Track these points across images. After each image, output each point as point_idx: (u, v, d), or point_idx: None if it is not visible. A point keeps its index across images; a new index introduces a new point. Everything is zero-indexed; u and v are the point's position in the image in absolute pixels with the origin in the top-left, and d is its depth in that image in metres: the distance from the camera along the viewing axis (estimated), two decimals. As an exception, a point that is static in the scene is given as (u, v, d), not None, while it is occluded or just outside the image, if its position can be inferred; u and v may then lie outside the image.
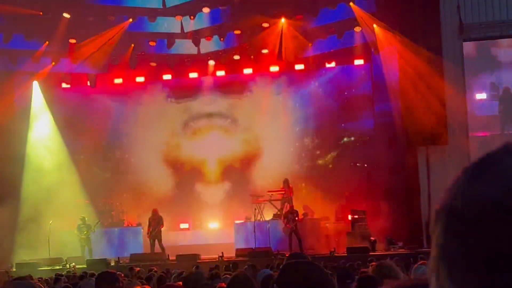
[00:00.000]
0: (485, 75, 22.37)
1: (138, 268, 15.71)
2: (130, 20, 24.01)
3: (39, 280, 12.54)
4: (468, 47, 22.16)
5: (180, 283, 8.73)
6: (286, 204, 23.28)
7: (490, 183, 0.90)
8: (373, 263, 6.34)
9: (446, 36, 21.64)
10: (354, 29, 23.73)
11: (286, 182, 23.35)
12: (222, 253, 20.92)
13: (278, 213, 22.89)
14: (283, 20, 23.81)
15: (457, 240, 0.91)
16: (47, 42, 23.80)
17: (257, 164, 25.10)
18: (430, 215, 16.08)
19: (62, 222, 23.35)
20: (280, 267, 5.46)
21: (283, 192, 23.21)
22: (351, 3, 22.50)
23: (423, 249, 20.20)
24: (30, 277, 13.12)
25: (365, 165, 24.39)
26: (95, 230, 22.71)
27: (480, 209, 0.90)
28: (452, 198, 0.94)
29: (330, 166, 25.22)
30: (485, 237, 0.88)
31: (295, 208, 22.28)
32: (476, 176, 0.93)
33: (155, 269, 15.49)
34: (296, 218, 21.67)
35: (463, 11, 21.64)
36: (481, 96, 22.27)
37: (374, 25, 22.95)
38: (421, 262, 6.58)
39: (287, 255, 7.95)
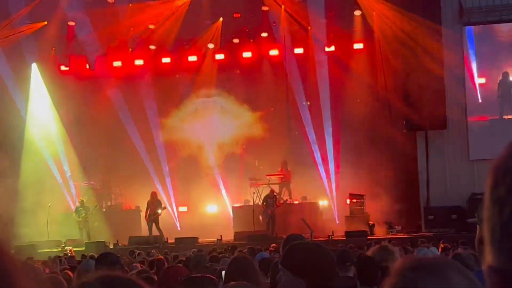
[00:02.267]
0: (485, 60, 22.32)
1: (139, 251, 15.76)
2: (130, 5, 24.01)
3: (40, 262, 12.58)
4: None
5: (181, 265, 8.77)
6: (284, 188, 23.37)
7: None
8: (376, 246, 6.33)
9: (447, 21, 21.61)
10: (354, 12, 23.72)
11: (284, 164, 23.42)
12: (221, 236, 21.00)
13: (277, 196, 22.92)
14: (283, 6, 23.80)
15: (497, 206, 0.90)
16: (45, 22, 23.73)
17: (256, 147, 25.06)
18: (429, 199, 16.00)
19: (61, 205, 23.43)
20: (282, 248, 5.47)
21: (282, 176, 23.27)
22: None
23: (421, 233, 20.29)
24: (31, 258, 13.18)
25: (364, 149, 24.33)
26: (93, 212, 22.75)
27: None
28: (495, 166, 0.92)
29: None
30: None
31: (293, 192, 22.32)
32: None
33: (156, 253, 15.50)
34: (276, 203, 21.89)
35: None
36: (481, 80, 22.23)
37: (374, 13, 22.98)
38: (423, 245, 6.61)
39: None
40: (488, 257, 0.90)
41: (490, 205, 0.90)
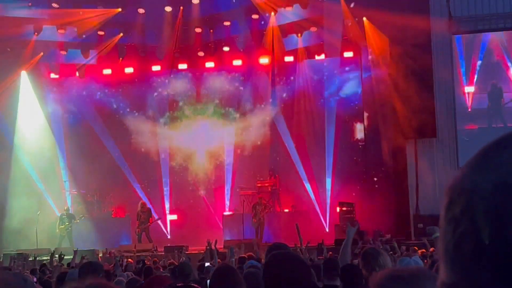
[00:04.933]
0: (474, 69, 22.40)
1: (130, 260, 15.72)
2: (119, 9, 24.00)
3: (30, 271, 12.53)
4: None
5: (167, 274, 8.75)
6: (273, 196, 23.37)
7: (486, 175, 0.90)
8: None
9: (436, 29, 21.68)
10: (344, 21, 23.78)
11: (272, 172, 23.48)
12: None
13: (266, 204, 22.91)
14: (272, 13, 23.86)
15: (451, 224, 0.91)
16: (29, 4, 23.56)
17: (246, 155, 25.08)
18: (418, 207, 16.05)
19: (50, 213, 23.37)
20: (265, 257, 5.47)
21: (271, 184, 23.29)
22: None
23: (411, 241, 20.29)
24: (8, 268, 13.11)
25: (354, 157, 24.37)
26: (78, 221, 22.67)
27: (470, 200, 0.89)
28: (451, 186, 0.93)
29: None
30: (472, 229, 0.88)
31: (283, 200, 22.31)
32: (475, 166, 0.92)
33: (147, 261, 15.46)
34: (266, 210, 21.93)
35: (452, 4, 21.69)
36: (469, 89, 22.33)
37: (364, 18, 23.04)
38: (406, 253, 6.64)
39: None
40: (442, 274, 0.92)
41: (444, 224, 0.92)
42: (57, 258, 14.38)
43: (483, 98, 22.33)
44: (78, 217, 22.73)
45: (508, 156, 0.89)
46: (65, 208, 23.00)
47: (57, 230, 22.48)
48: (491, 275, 0.85)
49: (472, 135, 22.02)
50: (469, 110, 22.29)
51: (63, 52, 24.95)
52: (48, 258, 19.58)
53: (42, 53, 24.68)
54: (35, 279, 10.12)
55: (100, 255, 20.79)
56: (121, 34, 24.78)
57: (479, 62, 22.30)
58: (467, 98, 22.29)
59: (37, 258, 16.65)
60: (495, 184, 0.88)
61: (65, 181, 24.61)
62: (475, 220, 0.88)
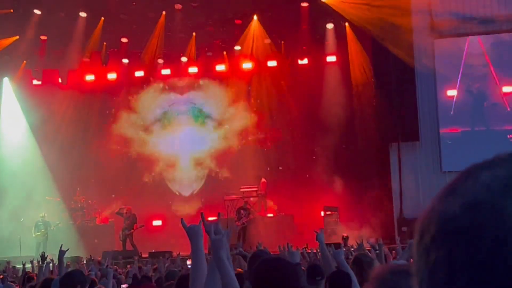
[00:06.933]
0: (456, 72, 22.55)
1: (115, 267, 15.64)
2: (102, 18, 23.99)
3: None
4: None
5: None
6: (259, 200, 23.36)
7: (453, 201, 0.90)
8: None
9: (418, 33, 21.79)
10: (326, 25, 23.90)
11: (259, 177, 23.48)
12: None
13: (251, 209, 22.91)
14: (255, 17, 23.92)
15: (424, 255, 0.92)
16: (17, 37, 23.60)
17: (230, 160, 25.09)
18: (402, 211, 16.11)
19: (33, 220, 23.22)
20: (248, 263, 5.47)
21: (256, 188, 23.28)
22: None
23: (395, 245, 20.33)
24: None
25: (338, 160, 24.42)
26: (54, 228, 22.54)
27: (439, 225, 0.90)
28: (421, 220, 0.94)
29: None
30: (444, 253, 0.89)
31: (268, 204, 22.29)
32: (442, 197, 0.93)
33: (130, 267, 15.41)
34: (250, 215, 21.88)
35: (434, 8, 21.82)
36: (452, 92, 22.47)
37: (346, 24, 23.14)
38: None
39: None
40: None
41: (417, 258, 0.93)
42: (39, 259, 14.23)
43: (466, 101, 22.47)
44: (54, 224, 22.60)
45: (473, 182, 0.90)
46: (41, 215, 22.85)
47: (33, 235, 22.36)
48: None
49: (455, 138, 22.15)
50: (452, 113, 22.41)
51: (46, 58, 24.85)
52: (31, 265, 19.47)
53: (25, 62, 24.62)
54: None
55: (84, 261, 20.67)
56: (105, 43, 24.78)
57: (461, 65, 22.44)
58: (449, 101, 22.42)
59: (18, 266, 16.49)
60: (462, 207, 0.89)
61: (47, 188, 24.46)
62: (446, 244, 0.88)
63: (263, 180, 23.55)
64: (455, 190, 0.92)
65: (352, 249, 13.72)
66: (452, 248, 0.88)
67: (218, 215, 6.98)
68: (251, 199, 23.11)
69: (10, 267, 16.59)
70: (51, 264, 13.89)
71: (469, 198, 0.89)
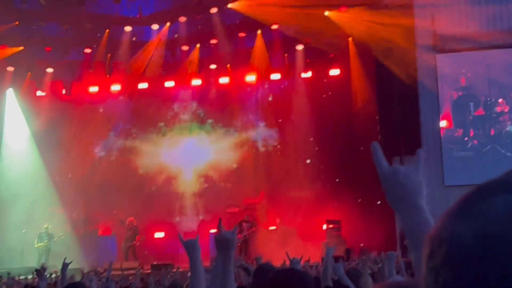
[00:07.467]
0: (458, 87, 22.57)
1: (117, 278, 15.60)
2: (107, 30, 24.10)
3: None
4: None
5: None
6: (261, 213, 23.34)
7: (464, 225, 0.91)
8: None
9: (421, 48, 21.82)
10: (331, 38, 23.91)
11: (260, 190, 23.47)
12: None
13: (253, 222, 22.88)
14: (259, 31, 23.99)
15: (433, 274, 0.93)
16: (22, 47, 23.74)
17: (232, 172, 25.07)
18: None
19: (36, 231, 23.20)
20: (253, 277, 5.46)
21: (258, 201, 23.26)
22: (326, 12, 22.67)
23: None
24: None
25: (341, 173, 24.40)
26: (56, 240, 22.51)
27: (449, 250, 0.91)
28: (432, 235, 0.95)
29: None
30: (453, 278, 0.90)
31: (270, 217, 22.25)
32: (454, 216, 0.94)
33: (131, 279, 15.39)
34: (252, 228, 21.82)
35: (437, 24, 21.85)
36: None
37: (350, 39, 23.19)
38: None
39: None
40: None
41: (426, 273, 0.95)
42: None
43: (468, 116, 22.45)
44: (57, 236, 22.57)
45: (487, 206, 0.91)
46: (45, 226, 22.83)
47: (36, 246, 22.33)
48: None
49: (457, 152, 22.12)
50: (453, 127, 22.40)
51: (50, 70, 24.93)
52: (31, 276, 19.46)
53: (30, 73, 24.72)
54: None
55: (86, 273, 20.62)
56: (109, 55, 24.88)
57: (463, 80, 22.47)
58: (452, 115, 22.41)
59: (21, 277, 16.49)
60: (473, 234, 0.89)
61: (50, 199, 24.46)
62: (456, 268, 0.89)
63: (262, 192, 23.53)
64: (467, 213, 0.93)
65: (354, 262, 13.69)
66: (461, 274, 0.89)
67: (219, 221, 6.91)
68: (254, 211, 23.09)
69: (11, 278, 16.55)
70: (53, 276, 13.87)
71: (481, 226, 0.90)
